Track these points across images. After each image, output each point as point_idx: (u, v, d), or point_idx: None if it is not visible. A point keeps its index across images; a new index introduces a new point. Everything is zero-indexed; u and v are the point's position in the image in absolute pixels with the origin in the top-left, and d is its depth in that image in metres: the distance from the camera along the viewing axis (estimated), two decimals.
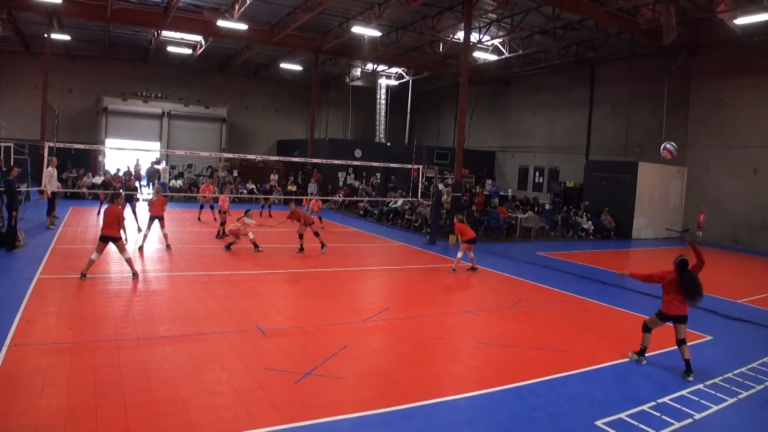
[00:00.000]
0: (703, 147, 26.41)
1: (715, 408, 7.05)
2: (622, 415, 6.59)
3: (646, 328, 8.75)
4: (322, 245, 16.95)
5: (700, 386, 7.70)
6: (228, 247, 16.41)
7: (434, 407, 6.59)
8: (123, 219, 12.03)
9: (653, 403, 7.00)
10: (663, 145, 19.90)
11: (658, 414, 6.70)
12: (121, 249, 11.89)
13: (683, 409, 6.92)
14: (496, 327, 10.33)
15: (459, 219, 15.79)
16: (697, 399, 7.27)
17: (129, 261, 12.04)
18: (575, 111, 33.06)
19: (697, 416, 6.76)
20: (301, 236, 16.81)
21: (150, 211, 15.99)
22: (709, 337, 10.39)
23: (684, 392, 7.45)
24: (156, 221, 15.84)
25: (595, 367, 8.26)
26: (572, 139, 32.97)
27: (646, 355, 8.69)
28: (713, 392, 7.55)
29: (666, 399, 7.18)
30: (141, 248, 15.38)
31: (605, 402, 6.99)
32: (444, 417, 6.39)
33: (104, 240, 11.75)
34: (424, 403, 6.65)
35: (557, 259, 18.88)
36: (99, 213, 20.68)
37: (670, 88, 26.70)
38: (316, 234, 17.07)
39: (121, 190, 20.22)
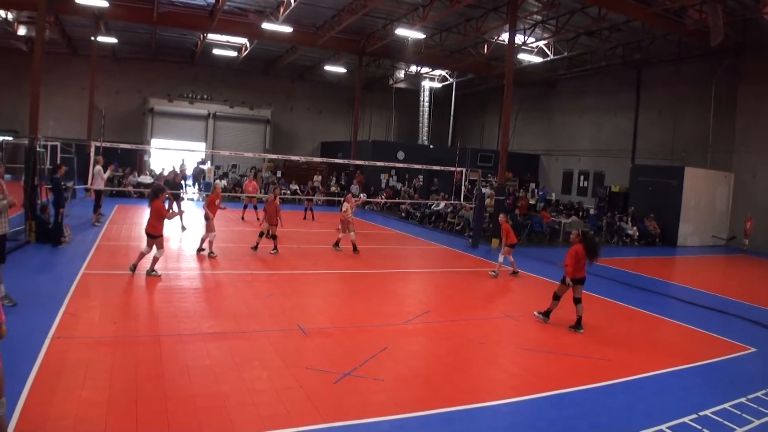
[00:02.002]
0: (751, 152, 25.69)
1: (757, 422, 6.86)
2: (663, 427, 6.48)
3: (556, 297, 10.73)
4: (275, 247, 15.84)
5: (743, 400, 7.51)
6: (336, 245, 17.23)
7: (474, 412, 6.58)
8: (165, 215, 12.21)
9: (695, 416, 6.85)
10: None
11: (699, 427, 6.56)
12: (158, 246, 12.06)
13: (725, 422, 6.76)
14: (537, 333, 10.24)
15: (506, 219, 15.57)
16: (739, 413, 7.09)
17: (155, 259, 12.11)
18: (621, 114, 32.50)
19: (739, 430, 6.60)
20: (269, 234, 15.77)
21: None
22: (753, 350, 10.10)
23: (726, 405, 7.27)
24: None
25: (637, 376, 8.12)
26: (618, 143, 32.40)
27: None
28: (756, 406, 7.35)
29: (707, 412, 7.02)
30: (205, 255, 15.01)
31: (646, 413, 6.87)
32: (483, 422, 6.36)
33: (148, 236, 12.04)
34: (464, 408, 6.64)
35: (601, 265, 18.48)
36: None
37: (717, 91, 26.15)
38: (271, 236, 15.72)
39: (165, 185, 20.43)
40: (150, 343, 7.89)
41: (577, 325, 10.36)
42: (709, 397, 7.55)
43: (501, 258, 15.14)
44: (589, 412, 6.83)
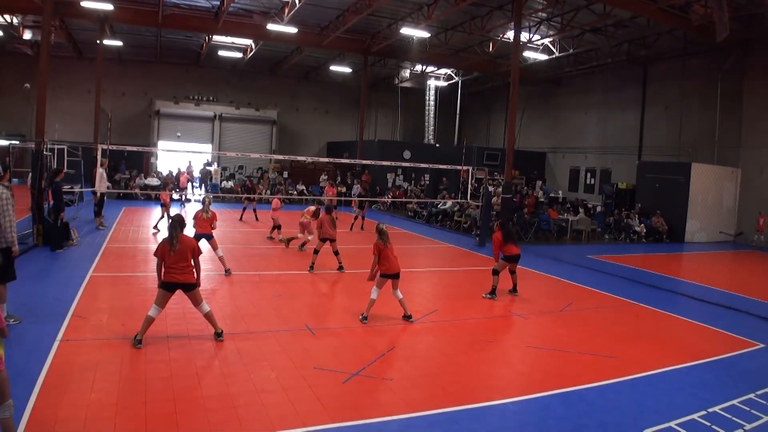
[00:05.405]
0: (758, 147, 25.44)
1: (765, 418, 6.82)
2: (672, 424, 6.45)
3: (495, 272, 12.23)
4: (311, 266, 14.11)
5: (751, 396, 7.47)
6: (302, 247, 16.74)
7: (482, 411, 6.57)
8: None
9: (703, 412, 6.83)
10: None
11: (708, 423, 6.54)
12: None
13: (733, 418, 6.73)
14: (545, 331, 10.23)
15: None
16: (748, 409, 7.05)
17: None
18: (627, 111, 32.35)
19: (748, 426, 6.57)
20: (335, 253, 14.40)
21: (195, 228, 13.08)
22: (762, 345, 10.03)
23: (735, 402, 7.23)
24: (204, 240, 12.77)
25: (645, 373, 8.10)
26: (624, 140, 32.20)
27: None
28: (764, 402, 7.32)
29: (716, 408, 6.99)
30: None
31: (655, 410, 6.85)
32: (491, 421, 6.36)
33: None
34: (472, 407, 6.64)
35: (608, 262, 18.56)
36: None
37: (723, 87, 25.98)
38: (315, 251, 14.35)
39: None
40: (158, 345, 7.92)
41: (514, 290, 12.74)
42: (718, 393, 7.52)
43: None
44: (598, 409, 6.81)
